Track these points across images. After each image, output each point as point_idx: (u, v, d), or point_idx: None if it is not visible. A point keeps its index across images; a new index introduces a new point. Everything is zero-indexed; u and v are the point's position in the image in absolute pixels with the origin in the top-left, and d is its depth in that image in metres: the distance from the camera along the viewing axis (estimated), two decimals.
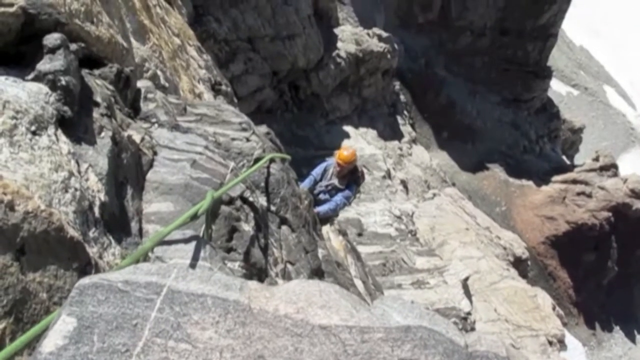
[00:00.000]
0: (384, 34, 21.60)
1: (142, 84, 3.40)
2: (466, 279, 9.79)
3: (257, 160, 3.42)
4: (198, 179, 2.63)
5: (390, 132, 21.51)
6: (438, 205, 15.84)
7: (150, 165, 2.63)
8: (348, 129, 18.84)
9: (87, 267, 1.66)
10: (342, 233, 6.65)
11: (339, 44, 19.38)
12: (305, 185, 5.82)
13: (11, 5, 2.04)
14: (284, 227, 3.54)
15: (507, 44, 29.41)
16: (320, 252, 4.03)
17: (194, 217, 1.89)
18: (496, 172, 26.40)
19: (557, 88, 43.72)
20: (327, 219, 6.06)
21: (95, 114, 2.27)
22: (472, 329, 8.60)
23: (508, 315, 11.36)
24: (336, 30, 19.97)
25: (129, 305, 1.15)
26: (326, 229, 6.05)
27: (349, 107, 20.17)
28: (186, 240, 1.86)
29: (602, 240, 23.46)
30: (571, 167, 27.76)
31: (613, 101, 47.90)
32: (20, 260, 1.38)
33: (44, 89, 2.00)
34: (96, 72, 2.69)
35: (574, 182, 25.05)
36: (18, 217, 1.41)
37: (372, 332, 1.20)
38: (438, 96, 27.88)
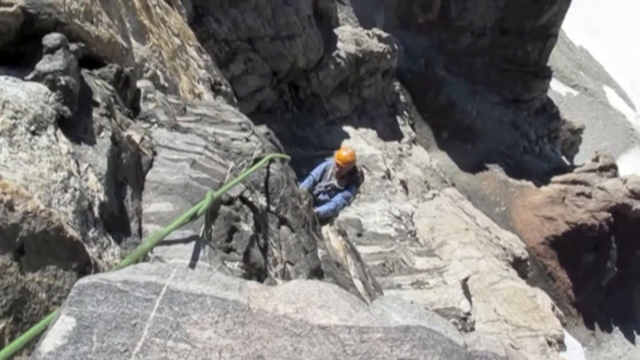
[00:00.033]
0: (384, 34, 21.59)
1: (141, 84, 3.40)
2: (466, 279, 9.79)
3: (256, 160, 3.42)
4: (197, 179, 2.63)
5: (390, 133, 21.50)
6: (438, 206, 15.84)
7: (150, 165, 2.63)
8: (348, 129, 18.84)
9: (86, 267, 1.66)
10: (342, 233, 6.65)
11: (339, 44, 19.38)
12: (304, 185, 5.82)
13: (11, 5, 2.04)
14: (284, 227, 3.54)
15: (507, 44, 29.42)
16: (320, 253, 4.03)
17: (194, 217, 1.89)
18: (496, 172, 26.41)
19: (556, 88, 43.73)
20: (327, 219, 6.06)
21: (95, 114, 2.27)
22: (472, 329, 8.59)
23: (507, 316, 11.36)
24: (336, 31, 19.96)
25: (128, 305, 1.15)
26: (326, 229, 6.04)
27: (349, 107, 20.17)
28: (186, 240, 1.87)
29: (602, 240, 23.47)
30: (571, 168, 27.78)
31: (613, 102, 47.91)
32: (20, 260, 1.38)
33: (44, 88, 2.00)
34: (96, 72, 2.69)
35: (574, 182, 25.06)
36: (17, 217, 1.41)
37: (371, 332, 1.20)
38: (438, 96, 27.88)
